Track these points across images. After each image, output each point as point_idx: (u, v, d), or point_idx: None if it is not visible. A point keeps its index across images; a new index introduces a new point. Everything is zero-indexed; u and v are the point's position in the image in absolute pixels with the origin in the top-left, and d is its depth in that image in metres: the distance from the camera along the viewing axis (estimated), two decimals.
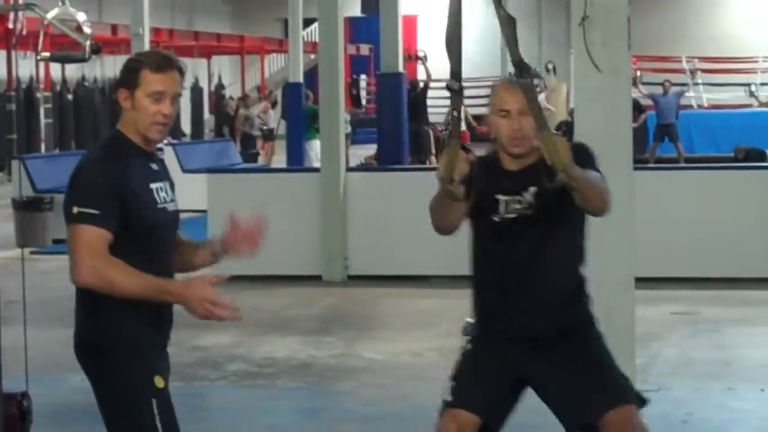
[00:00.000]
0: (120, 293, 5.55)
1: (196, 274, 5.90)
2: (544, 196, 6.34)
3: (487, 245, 6.72)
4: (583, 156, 6.44)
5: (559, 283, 6.61)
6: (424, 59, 30.24)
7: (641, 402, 6.65)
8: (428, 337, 13.36)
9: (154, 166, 5.85)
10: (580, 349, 6.55)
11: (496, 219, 6.54)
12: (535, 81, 37.05)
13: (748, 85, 42.95)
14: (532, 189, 6.39)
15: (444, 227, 6.73)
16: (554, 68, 39.90)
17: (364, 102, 38.20)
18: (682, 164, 27.52)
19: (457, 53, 6.59)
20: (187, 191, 23.33)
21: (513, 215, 6.48)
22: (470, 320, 6.87)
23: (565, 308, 6.62)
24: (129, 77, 5.71)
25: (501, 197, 6.48)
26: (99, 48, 19.71)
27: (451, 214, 6.55)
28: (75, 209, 5.50)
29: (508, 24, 6.72)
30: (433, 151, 34.29)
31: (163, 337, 5.80)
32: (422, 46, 41.84)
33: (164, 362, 5.74)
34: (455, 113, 6.39)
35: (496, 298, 6.67)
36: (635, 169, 9.68)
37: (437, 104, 38.59)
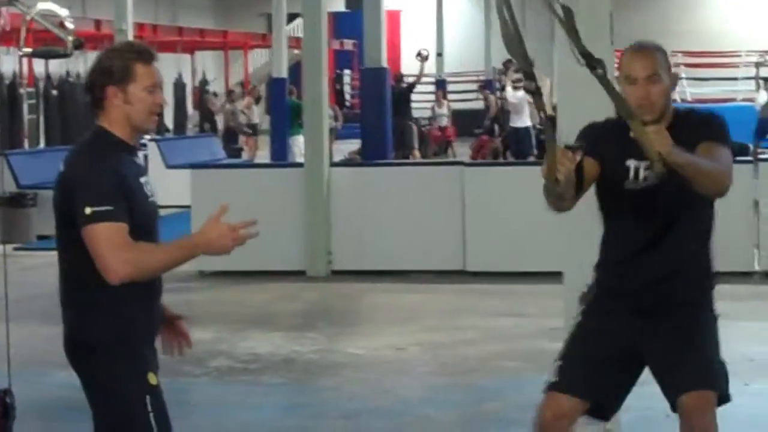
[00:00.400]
0: (159, 272, 5.71)
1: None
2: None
3: (617, 212, 6.63)
4: (706, 130, 6.48)
5: (685, 258, 6.56)
6: (425, 58, 30.20)
7: (725, 398, 6.70)
8: (410, 332, 13.39)
9: (138, 161, 5.89)
10: (687, 328, 6.54)
11: (626, 186, 6.38)
12: (520, 76, 37.11)
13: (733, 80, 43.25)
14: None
15: (560, 211, 6.45)
16: (532, 62, 39.97)
17: (348, 97, 38.21)
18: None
19: (521, 53, 6.34)
20: (170, 187, 23.49)
21: (644, 182, 6.32)
22: (587, 289, 6.82)
23: (685, 286, 6.59)
24: (121, 73, 5.67)
25: (631, 163, 6.39)
26: (81, 43, 19.67)
27: (563, 204, 6.33)
28: (88, 210, 5.45)
29: (567, 15, 6.50)
30: (416, 145, 34.33)
31: (154, 333, 5.81)
32: (405, 41, 41.89)
33: (155, 359, 5.75)
34: (542, 114, 6.36)
35: (622, 263, 6.62)
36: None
37: (422, 99, 38.68)
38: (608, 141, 6.39)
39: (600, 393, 6.55)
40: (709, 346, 6.62)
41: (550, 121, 6.47)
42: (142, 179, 5.80)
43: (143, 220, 5.69)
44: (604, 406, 6.64)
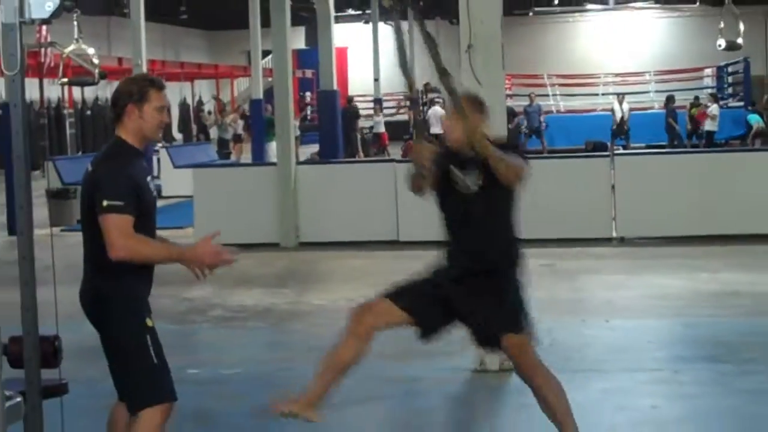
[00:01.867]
0: (148, 261, 5.66)
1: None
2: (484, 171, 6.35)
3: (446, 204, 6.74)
4: (510, 147, 6.68)
5: (488, 236, 6.59)
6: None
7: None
8: (358, 287, 13.33)
9: (145, 163, 5.88)
10: (494, 286, 6.56)
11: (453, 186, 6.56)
12: (437, 94, 37.14)
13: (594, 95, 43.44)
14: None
15: (418, 193, 6.74)
16: (436, 88, 40.12)
17: (309, 113, 38.08)
18: (546, 155, 27.66)
19: (408, 75, 7.03)
20: (177, 182, 23.43)
21: (461, 184, 6.50)
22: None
23: (488, 255, 6.60)
24: (139, 95, 5.69)
25: (454, 169, 6.49)
26: (105, 75, 19.37)
27: (425, 188, 6.64)
28: (105, 203, 5.48)
29: (429, 40, 6.66)
30: (360, 149, 34.33)
31: (148, 291, 5.78)
32: (351, 70, 41.79)
33: (148, 308, 5.72)
34: (418, 117, 6.63)
35: (450, 242, 6.81)
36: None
37: (364, 114, 38.69)
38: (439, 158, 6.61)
39: (419, 312, 6.68)
40: (516, 299, 6.64)
41: (423, 124, 6.80)
42: (148, 178, 5.80)
43: (147, 210, 5.68)
44: (424, 328, 6.81)
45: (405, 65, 7.05)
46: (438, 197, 6.76)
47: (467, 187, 6.50)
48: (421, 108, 37.61)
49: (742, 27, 23.93)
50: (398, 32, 7.00)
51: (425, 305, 6.69)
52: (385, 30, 46.78)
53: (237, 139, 35.29)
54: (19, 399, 5.40)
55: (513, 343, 6.51)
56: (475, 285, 6.56)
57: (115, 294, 5.65)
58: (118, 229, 5.49)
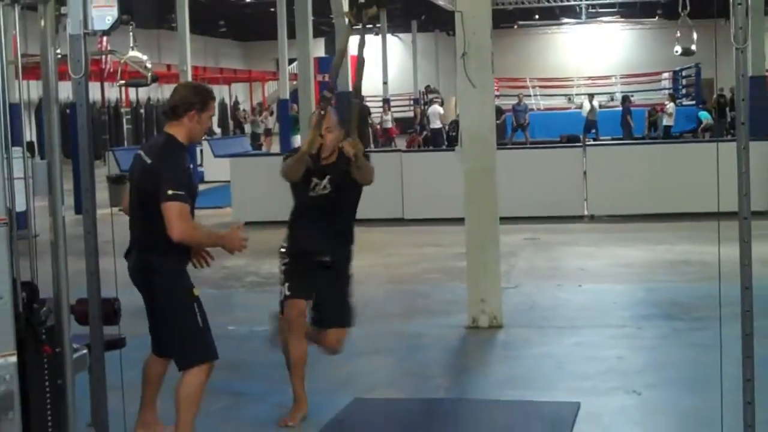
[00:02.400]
0: (197, 245, 5.70)
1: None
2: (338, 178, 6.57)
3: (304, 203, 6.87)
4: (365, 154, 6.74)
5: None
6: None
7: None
8: (373, 258, 13.32)
9: (188, 156, 5.87)
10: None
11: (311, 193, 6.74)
12: (436, 95, 37.02)
13: (569, 96, 43.42)
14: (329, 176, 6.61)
15: (293, 178, 6.80)
16: (436, 89, 40.25)
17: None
18: (528, 146, 27.66)
19: (334, 77, 7.37)
20: (217, 169, 23.38)
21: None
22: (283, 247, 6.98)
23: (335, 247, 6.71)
24: (202, 105, 5.72)
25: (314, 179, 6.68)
26: (157, 78, 19.30)
27: (299, 174, 6.66)
28: (170, 192, 5.49)
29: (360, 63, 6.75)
30: (371, 141, 34.25)
31: (187, 263, 5.78)
32: (365, 79, 41.69)
33: (189, 280, 5.74)
34: (321, 112, 6.56)
35: (307, 233, 6.81)
36: (498, 148, 9.67)
37: (375, 112, 38.61)
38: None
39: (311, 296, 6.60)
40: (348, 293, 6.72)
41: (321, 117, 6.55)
42: (191, 168, 5.80)
43: (194, 196, 5.71)
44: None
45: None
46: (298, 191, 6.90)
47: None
48: (422, 107, 37.84)
49: (695, 36, 23.85)
50: (360, 46, 6.78)
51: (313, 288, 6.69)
52: (393, 40, 46.90)
53: (267, 133, 35.36)
54: (84, 351, 5.41)
55: (340, 336, 6.67)
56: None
57: (165, 268, 5.66)
58: (180, 214, 5.51)
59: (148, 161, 5.70)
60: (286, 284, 6.63)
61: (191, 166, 5.87)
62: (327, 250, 6.66)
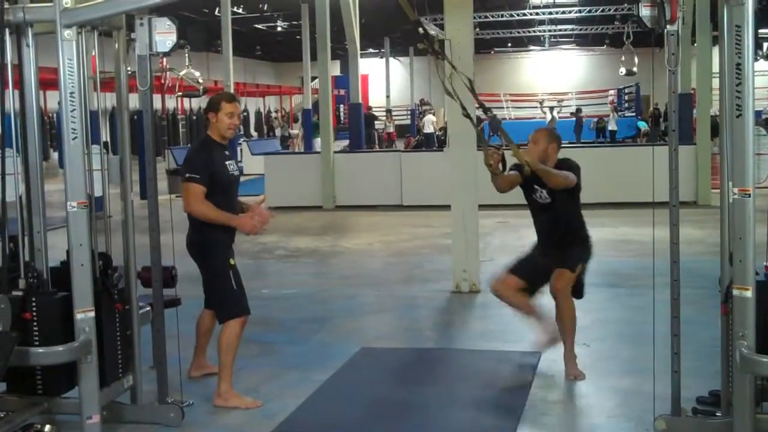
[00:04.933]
0: (207, 220, 5.58)
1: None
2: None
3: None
4: (564, 165, 6.36)
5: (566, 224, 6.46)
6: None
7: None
8: (375, 236, 13.38)
9: (226, 152, 5.82)
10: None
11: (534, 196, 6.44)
12: (428, 106, 36.77)
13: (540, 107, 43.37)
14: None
15: (501, 191, 6.45)
16: (428, 102, 40.05)
17: (342, 118, 38.04)
18: (505, 147, 27.59)
19: (458, 99, 6.45)
20: (254, 164, 23.32)
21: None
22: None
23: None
24: (214, 106, 5.69)
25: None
26: (207, 90, 19.19)
27: (500, 188, 6.36)
28: (186, 174, 5.51)
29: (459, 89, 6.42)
30: (377, 142, 34.18)
31: (232, 239, 5.75)
32: (371, 89, 41.58)
33: (232, 252, 5.72)
34: (481, 134, 6.37)
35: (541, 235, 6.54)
36: (478, 149, 9.65)
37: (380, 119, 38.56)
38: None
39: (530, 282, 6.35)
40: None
41: (483, 136, 6.43)
42: (227, 162, 5.75)
43: (224, 185, 5.66)
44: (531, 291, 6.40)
45: (449, 91, 6.58)
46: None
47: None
48: (417, 116, 37.88)
49: (636, 60, 23.80)
50: (438, 68, 6.51)
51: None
52: (394, 63, 46.75)
53: (290, 136, 35.31)
54: (148, 308, 5.44)
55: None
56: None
57: (208, 242, 5.64)
58: (192, 193, 5.51)
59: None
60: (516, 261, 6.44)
61: (226, 158, 5.79)
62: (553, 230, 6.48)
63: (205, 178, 5.52)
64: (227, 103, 5.68)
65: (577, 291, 6.37)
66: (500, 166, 6.19)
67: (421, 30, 6.21)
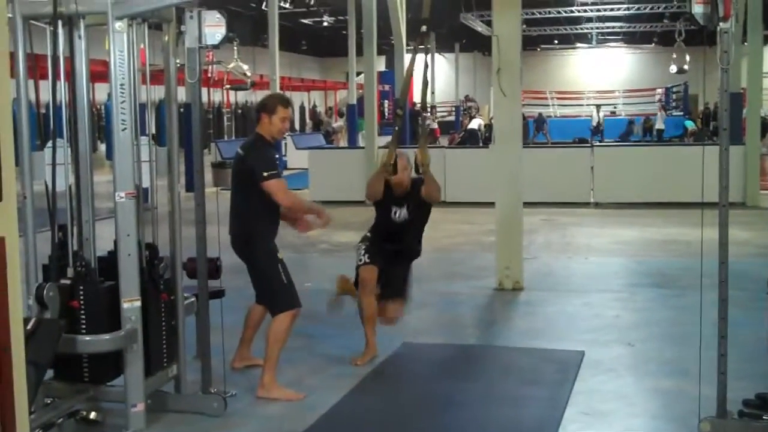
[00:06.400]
0: (299, 208, 5.82)
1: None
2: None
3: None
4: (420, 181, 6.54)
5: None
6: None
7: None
8: None
9: (275, 149, 5.88)
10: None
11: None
12: (473, 103, 36.62)
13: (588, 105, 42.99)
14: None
15: (374, 197, 6.64)
16: (473, 99, 39.84)
17: (386, 114, 38.08)
18: (549, 145, 27.45)
19: (403, 100, 6.89)
20: (298, 158, 23.40)
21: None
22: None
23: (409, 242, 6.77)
24: (270, 108, 5.72)
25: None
26: (254, 84, 19.29)
27: (378, 193, 6.51)
28: (266, 173, 5.51)
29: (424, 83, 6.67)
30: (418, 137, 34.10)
31: (276, 234, 5.80)
32: (415, 85, 41.61)
33: (276, 246, 5.75)
34: (396, 128, 6.59)
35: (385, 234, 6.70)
36: (523, 147, 9.60)
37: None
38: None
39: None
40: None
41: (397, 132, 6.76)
42: (276, 157, 5.83)
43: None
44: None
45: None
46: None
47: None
48: (463, 113, 37.78)
49: (688, 58, 23.53)
50: (425, 68, 6.67)
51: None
52: (440, 59, 46.69)
53: (334, 131, 35.36)
54: (193, 299, 5.48)
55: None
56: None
57: (257, 237, 5.68)
58: (280, 188, 5.57)
59: (242, 154, 5.75)
60: (366, 255, 6.58)
61: (277, 156, 5.86)
62: (401, 242, 6.67)
63: (280, 171, 5.67)
64: (283, 108, 5.74)
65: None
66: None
67: (423, 28, 6.52)
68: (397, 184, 6.49)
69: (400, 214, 6.59)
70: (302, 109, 44.50)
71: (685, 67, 24.28)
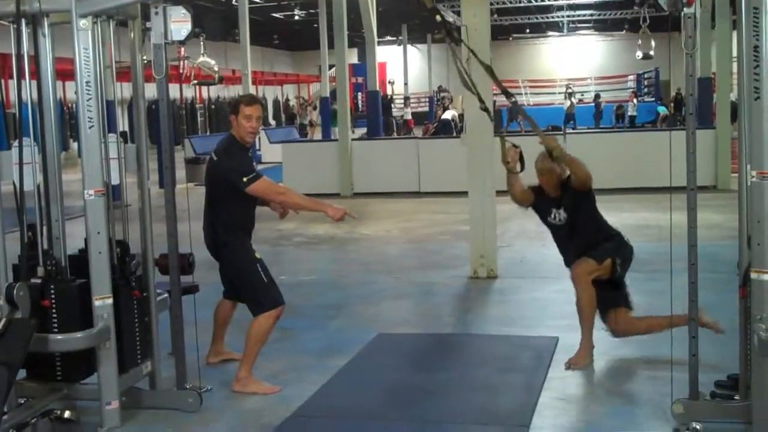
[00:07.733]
0: (293, 202, 5.71)
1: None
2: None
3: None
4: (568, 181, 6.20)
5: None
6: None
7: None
8: (393, 223, 13.38)
9: (250, 153, 5.82)
10: None
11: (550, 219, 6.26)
12: (446, 94, 36.57)
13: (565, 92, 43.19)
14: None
15: (514, 197, 6.32)
16: (446, 89, 39.88)
17: (360, 106, 37.92)
18: (522, 133, 27.51)
19: (477, 93, 6.19)
20: (272, 152, 23.34)
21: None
22: None
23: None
24: (234, 108, 5.66)
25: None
26: (223, 79, 19.16)
27: (514, 186, 6.18)
28: (245, 178, 5.42)
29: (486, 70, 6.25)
30: (395, 129, 34.09)
31: (250, 236, 5.73)
32: (388, 77, 41.54)
33: (251, 247, 5.70)
34: (508, 122, 6.28)
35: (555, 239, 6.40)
36: (495, 136, 9.61)
37: (398, 105, 38.51)
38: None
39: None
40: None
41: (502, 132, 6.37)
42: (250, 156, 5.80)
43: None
44: None
45: (467, 83, 6.26)
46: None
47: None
48: (436, 104, 37.81)
49: (653, 43, 23.64)
50: (455, 57, 6.27)
51: None
52: (412, 50, 46.65)
53: (311, 123, 35.26)
54: (166, 295, 5.46)
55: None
56: None
57: (231, 240, 5.61)
58: (267, 187, 5.51)
59: (215, 158, 5.66)
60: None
61: (248, 154, 5.77)
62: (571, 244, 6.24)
63: (258, 171, 5.53)
64: (245, 105, 5.60)
65: (624, 299, 6.25)
66: (518, 165, 6.10)
67: (438, 17, 6.01)
68: (544, 184, 6.09)
69: (558, 217, 6.21)
70: (276, 102, 44.35)
71: (651, 52, 24.37)
